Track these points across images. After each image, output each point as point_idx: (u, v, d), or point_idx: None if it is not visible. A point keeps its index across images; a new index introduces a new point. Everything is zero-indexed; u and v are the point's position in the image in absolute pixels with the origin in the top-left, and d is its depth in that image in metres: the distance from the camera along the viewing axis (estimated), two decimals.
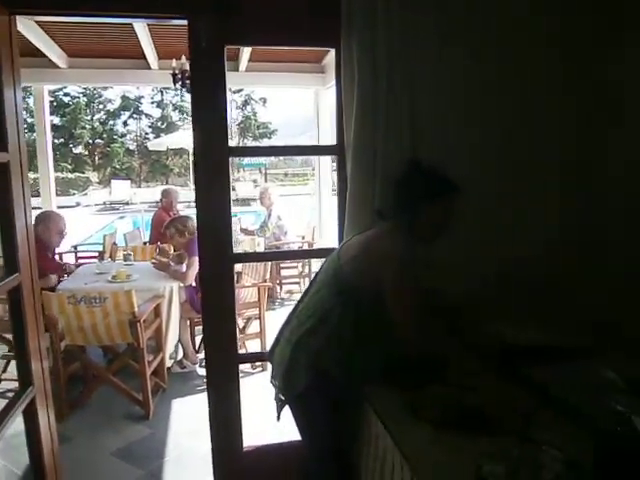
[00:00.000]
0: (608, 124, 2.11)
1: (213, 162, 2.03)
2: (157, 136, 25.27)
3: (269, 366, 1.86)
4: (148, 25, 5.10)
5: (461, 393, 1.55)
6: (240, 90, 26.12)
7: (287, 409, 1.76)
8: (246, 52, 5.88)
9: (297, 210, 10.66)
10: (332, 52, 2.11)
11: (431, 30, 1.99)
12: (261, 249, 5.28)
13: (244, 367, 3.72)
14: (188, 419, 3.18)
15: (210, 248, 2.09)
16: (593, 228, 2.11)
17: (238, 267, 4.06)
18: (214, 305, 2.12)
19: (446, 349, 1.74)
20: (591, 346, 1.76)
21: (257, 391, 2.59)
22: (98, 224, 11.74)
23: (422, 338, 1.63)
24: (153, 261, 4.15)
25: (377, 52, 1.94)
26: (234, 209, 2.60)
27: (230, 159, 2.11)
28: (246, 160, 21.60)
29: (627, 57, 2.06)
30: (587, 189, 2.14)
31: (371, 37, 1.94)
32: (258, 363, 3.84)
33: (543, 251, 2.07)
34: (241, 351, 3.34)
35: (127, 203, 18.07)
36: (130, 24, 4.81)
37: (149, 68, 6.51)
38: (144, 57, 6.16)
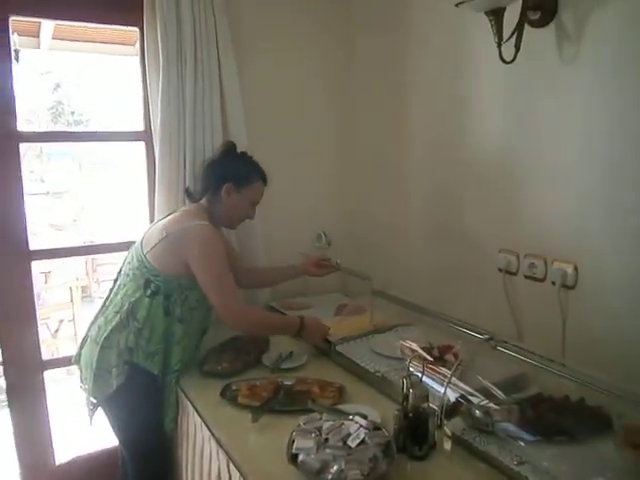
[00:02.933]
0: None
1: None
2: None
3: None
4: None
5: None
6: (49, 72, 23.70)
7: (101, 412, 1.66)
8: (47, 27, 5.31)
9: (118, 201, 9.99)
10: None
11: None
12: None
13: (56, 373, 3.39)
14: None
15: None
16: None
17: (46, 266, 3.71)
18: (9, 308, 1.90)
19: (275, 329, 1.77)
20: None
21: (74, 398, 2.39)
22: None
23: (248, 320, 1.64)
24: None
25: (183, 34, 1.88)
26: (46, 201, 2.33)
27: (40, 148, 1.90)
28: (54, 149, 19.74)
29: None
30: None
31: (177, 18, 1.87)
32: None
33: None
34: (53, 357, 3.05)
35: None
36: None
37: None
38: None
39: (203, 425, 1.47)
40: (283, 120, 2.22)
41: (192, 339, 1.70)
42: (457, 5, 1.40)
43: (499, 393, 1.31)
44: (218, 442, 1.38)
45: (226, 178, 1.72)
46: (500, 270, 1.69)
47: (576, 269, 1.47)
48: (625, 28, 1.31)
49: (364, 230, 2.37)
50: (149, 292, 1.60)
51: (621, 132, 1.34)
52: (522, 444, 1.19)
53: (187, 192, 1.87)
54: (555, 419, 1.23)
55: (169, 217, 1.71)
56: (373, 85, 2.23)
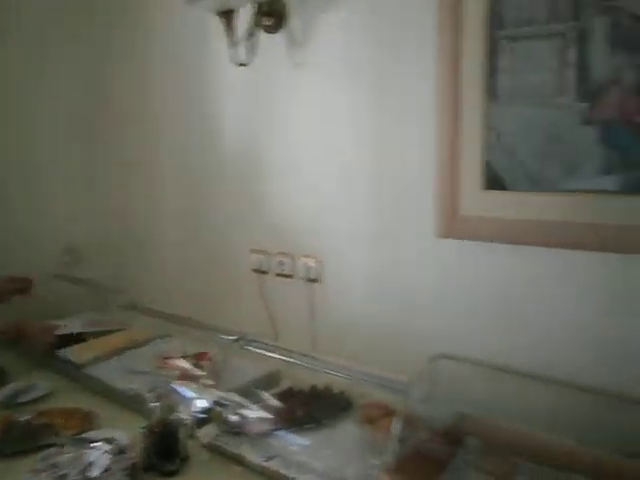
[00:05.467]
0: None
1: None
2: None
3: None
4: None
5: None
6: None
7: None
8: None
9: None
10: None
11: None
12: None
13: None
14: None
15: None
16: None
17: None
18: None
19: None
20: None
21: None
22: None
23: None
24: None
25: None
26: None
27: None
28: None
29: None
30: None
31: None
32: None
33: None
34: None
35: None
36: None
37: None
38: None
39: None
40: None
41: None
42: (187, 3, 1.39)
43: (253, 392, 1.32)
44: None
45: None
46: (254, 270, 1.71)
47: (320, 263, 1.56)
48: (348, 33, 1.43)
49: (119, 243, 2.21)
50: None
51: (355, 131, 1.45)
52: (274, 439, 1.21)
53: None
54: (303, 409, 1.28)
55: None
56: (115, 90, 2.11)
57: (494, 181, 1.20)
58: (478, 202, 1.22)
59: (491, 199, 1.21)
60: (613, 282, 1.10)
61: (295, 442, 1.20)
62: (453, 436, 1.09)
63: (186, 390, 1.33)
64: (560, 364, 1.12)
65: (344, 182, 1.49)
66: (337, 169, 1.50)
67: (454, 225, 1.26)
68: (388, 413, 1.15)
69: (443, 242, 1.29)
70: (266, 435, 1.22)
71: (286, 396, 1.35)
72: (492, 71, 1.18)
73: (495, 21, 1.16)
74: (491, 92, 1.18)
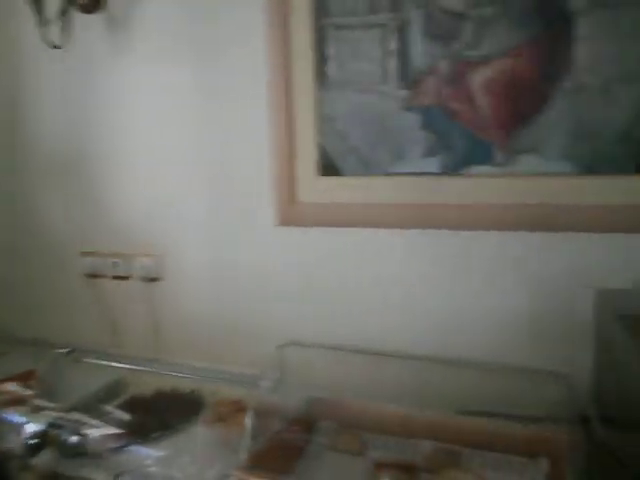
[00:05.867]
0: None
1: None
2: None
3: None
4: None
5: None
6: None
7: None
8: None
9: None
10: None
11: None
12: None
13: None
14: None
15: None
16: None
17: None
18: None
19: None
20: None
21: None
22: None
23: None
24: None
25: None
26: None
27: None
28: None
29: None
30: None
31: None
32: None
33: None
34: None
35: None
36: None
37: None
38: None
39: None
40: None
41: None
42: None
43: (94, 407, 1.21)
44: None
45: None
46: (87, 275, 1.56)
47: (159, 261, 1.47)
48: (173, 13, 1.35)
49: None
50: None
51: (188, 119, 1.38)
52: (123, 454, 1.12)
53: None
54: (150, 418, 1.20)
55: None
56: None
57: (330, 167, 1.22)
58: (315, 188, 1.24)
59: (328, 185, 1.23)
60: (444, 257, 1.19)
61: (146, 454, 1.12)
62: (306, 422, 1.10)
63: (15, 415, 1.18)
64: (398, 339, 1.19)
65: (180, 172, 1.41)
66: (171, 159, 1.42)
67: (293, 213, 1.26)
68: (240, 408, 1.13)
69: (284, 230, 1.29)
70: (113, 452, 1.12)
71: (131, 406, 1.25)
72: (321, 58, 1.20)
73: (321, 10, 1.18)
74: (321, 79, 1.20)
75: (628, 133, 1.03)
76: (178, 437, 1.18)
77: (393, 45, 1.14)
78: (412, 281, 1.21)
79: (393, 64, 1.15)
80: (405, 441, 1.06)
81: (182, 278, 1.46)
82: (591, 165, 1.05)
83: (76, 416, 1.17)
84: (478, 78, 1.09)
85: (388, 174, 1.18)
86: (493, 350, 1.14)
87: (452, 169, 1.13)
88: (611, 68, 1.03)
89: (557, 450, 0.95)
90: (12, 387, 1.32)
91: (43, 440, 1.14)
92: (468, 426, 1.03)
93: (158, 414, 1.21)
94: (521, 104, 1.08)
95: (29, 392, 1.27)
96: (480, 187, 1.12)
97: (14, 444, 1.09)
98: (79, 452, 1.12)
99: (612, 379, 0.94)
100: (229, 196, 1.36)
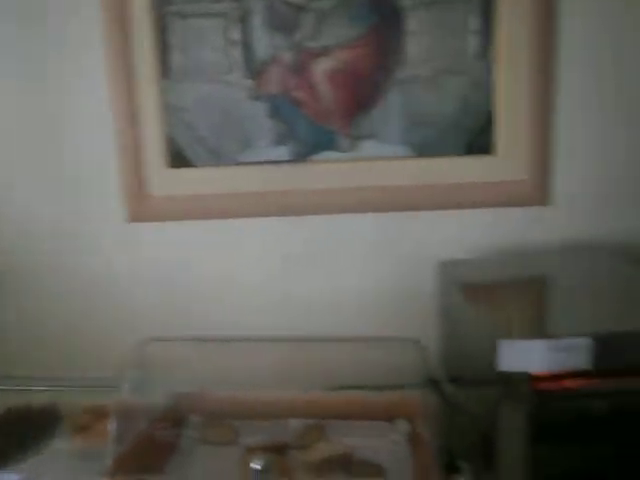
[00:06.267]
0: None
1: None
2: None
3: None
4: None
5: None
6: None
7: None
8: None
9: None
10: None
11: None
12: None
13: None
14: None
15: None
16: None
17: None
18: None
19: None
20: None
21: None
22: None
23: None
24: None
25: None
26: None
27: None
28: None
29: None
30: None
31: None
32: None
33: None
34: None
35: None
36: None
37: None
38: None
39: None
40: None
41: None
42: None
43: None
44: None
45: None
46: None
47: None
48: None
49: None
50: None
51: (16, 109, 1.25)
52: None
53: None
54: (3, 440, 1.10)
55: None
56: None
57: (179, 158, 1.20)
58: (166, 181, 1.21)
59: (179, 176, 1.21)
60: (299, 242, 1.23)
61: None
62: (174, 418, 1.08)
63: None
64: (260, 324, 1.21)
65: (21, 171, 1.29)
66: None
67: (145, 208, 1.21)
68: (101, 415, 1.07)
69: (137, 227, 1.24)
70: None
71: None
72: (165, 47, 1.16)
73: None
74: (166, 68, 1.17)
75: (457, 120, 1.15)
76: (38, 457, 1.09)
77: (236, 35, 1.14)
78: (270, 267, 1.24)
79: (237, 54, 1.15)
80: (276, 423, 1.08)
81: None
82: (426, 149, 1.16)
83: None
84: (319, 68, 1.14)
85: (239, 164, 1.18)
86: (353, 327, 1.21)
87: (301, 156, 1.17)
88: (439, 61, 1.13)
89: (414, 411, 1.04)
90: None
91: None
92: (332, 400, 1.09)
93: (12, 436, 1.11)
94: (360, 93, 1.15)
95: None
96: (328, 173, 1.17)
97: None
98: None
99: (455, 343, 1.05)
100: (75, 192, 1.27)
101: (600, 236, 1.20)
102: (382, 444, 1.02)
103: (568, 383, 0.72)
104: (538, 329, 0.76)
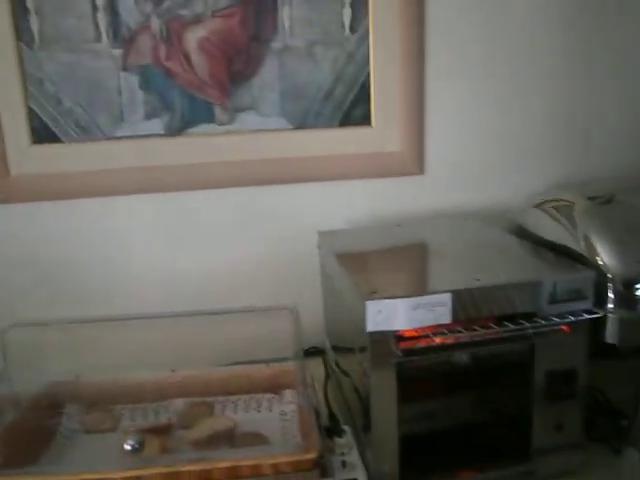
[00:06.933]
0: None
1: None
2: None
3: None
4: None
5: None
6: None
7: None
8: None
9: None
10: None
11: None
12: None
13: None
14: None
15: None
16: None
17: None
18: None
19: None
20: None
21: None
22: None
23: None
24: None
25: None
26: None
27: None
28: None
29: None
30: None
31: None
32: None
33: None
34: None
35: None
36: None
37: None
38: None
39: None
40: None
41: None
42: None
43: None
44: None
45: None
46: None
47: None
48: None
49: None
50: None
51: None
52: None
53: None
54: None
55: None
56: None
57: (45, 133, 1.11)
58: (31, 158, 1.12)
59: (45, 153, 1.12)
60: (164, 220, 1.20)
61: None
62: (49, 408, 1.02)
63: None
64: (136, 303, 1.18)
65: None
66: None
67: (7, 187, 1.12)
68: None
69: (4, 208, 1.15)
70: None
71: None
72: (22, 13, 1.07)
73: None
74: (25, 36, 1.08)
75: (331, 92, 1.15)
76: None
77: (101, 1, 1.08)
78: (153, 243, 1.20)
79: (104, 21, 1.08)
80: (159, 404, 1.06)
81: None
82: (302, 121, 1.16)
83: None
84: (192, 38, 1.10)
85: (110, 138, 1.12)
86: (242, 300, 1.19)
87: (176, 130, 1.13)
88: (313, 32, 1.13)
89: (300, 380, 1.05)
90: None
91: None
92: (217, 377, 1.07)
93: None
94: (236, 64, 1.12)
95: None
96: (205, 146, 1.14)
97: None
98: None
99: (334, 310, 1.06)
100: None
101: (471, 203, 1.27)
102: (269, 415, 1.03)
103: (431, 338, 0.76)
104: (403, 289, 0.78)
